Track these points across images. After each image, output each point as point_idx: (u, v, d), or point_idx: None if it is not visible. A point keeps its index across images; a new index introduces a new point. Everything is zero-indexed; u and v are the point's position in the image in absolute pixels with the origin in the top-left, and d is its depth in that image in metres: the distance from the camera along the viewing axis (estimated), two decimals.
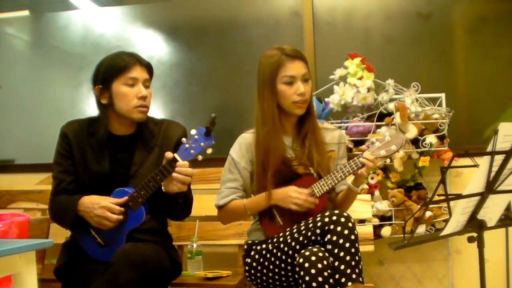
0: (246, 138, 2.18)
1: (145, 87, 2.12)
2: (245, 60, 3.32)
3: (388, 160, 2.73)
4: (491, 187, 1.78)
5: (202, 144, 1.93)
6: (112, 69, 2.10)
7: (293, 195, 2.03)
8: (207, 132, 1.93)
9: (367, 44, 3.22)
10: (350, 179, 2.10)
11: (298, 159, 2.12)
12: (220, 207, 2.17)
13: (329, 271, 1.84)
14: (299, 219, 2.03)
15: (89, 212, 2.02)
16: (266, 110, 2.09)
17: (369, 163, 2.00)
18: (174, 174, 1.94)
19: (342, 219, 1.89)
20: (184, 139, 1.96)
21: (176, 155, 1.95)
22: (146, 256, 1.92)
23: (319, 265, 1.84)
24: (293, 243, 1.95)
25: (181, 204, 2.09)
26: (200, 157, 1.95)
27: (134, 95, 2.09)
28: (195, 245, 2.74)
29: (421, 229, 2.79)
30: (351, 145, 2.78)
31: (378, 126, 2.83)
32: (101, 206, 2.00)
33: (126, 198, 2.02)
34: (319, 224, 1.91)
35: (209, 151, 1.95)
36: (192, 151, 1.94)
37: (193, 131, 1.95)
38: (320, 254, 1.86)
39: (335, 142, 2.22)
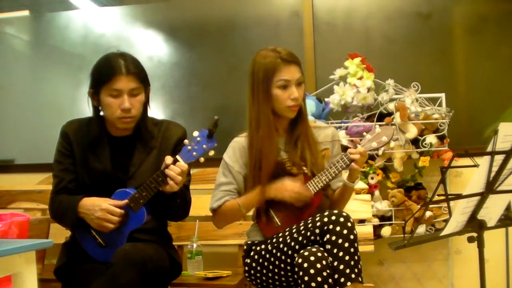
0: (239, 142, 2.19)
1: (132, 96, 2.04)
2: (245, 60, 3.26)
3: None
4: (491, 187, 1.78)
5: (204, 146, 1.94)
6: (98, 78, 2.05)
7: (288, 185, 2.04)
8: (209, 134, 1.93)
9: (367, 44, 3.21)
10: (345, 175, 2.10)
11: (291, 160, 2.12)
12: (214, 210, 2.17)
13: (328, 271, 1.84)
14: (296, 219, 2.03)
15: (90, 214, 2.02)
16: (260, 114, 2.09)
17: (356, 156, 2.00)
18: (166, 171, 1.94)
19: (341, 219, 1.89)
20: (186, 141, 1.97)
21: (178, 157, 1.96)
22: (146, 256, 1.92)
23: (318, 265, 1.84)
24: (292, 243, 1.96)
25: (179, 204, 2.09)
26: (202, 159, 1.96)
27: (117, 106, 2.03)
28: (195, 245, 2.74)
29: (421, 229, 2.78)
30: (351, 145, 2.78)
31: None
32: (102, 209, 2.00)
33: (127, 200, 2.02)
34: (318, 224, 1.91)
35: (211, 153, 1.96)
36: (194, 153, 1.95)
37: (195, 133, 1.96)
38: (319, 254, 1.86)
39: (329, 140, 2.22)
